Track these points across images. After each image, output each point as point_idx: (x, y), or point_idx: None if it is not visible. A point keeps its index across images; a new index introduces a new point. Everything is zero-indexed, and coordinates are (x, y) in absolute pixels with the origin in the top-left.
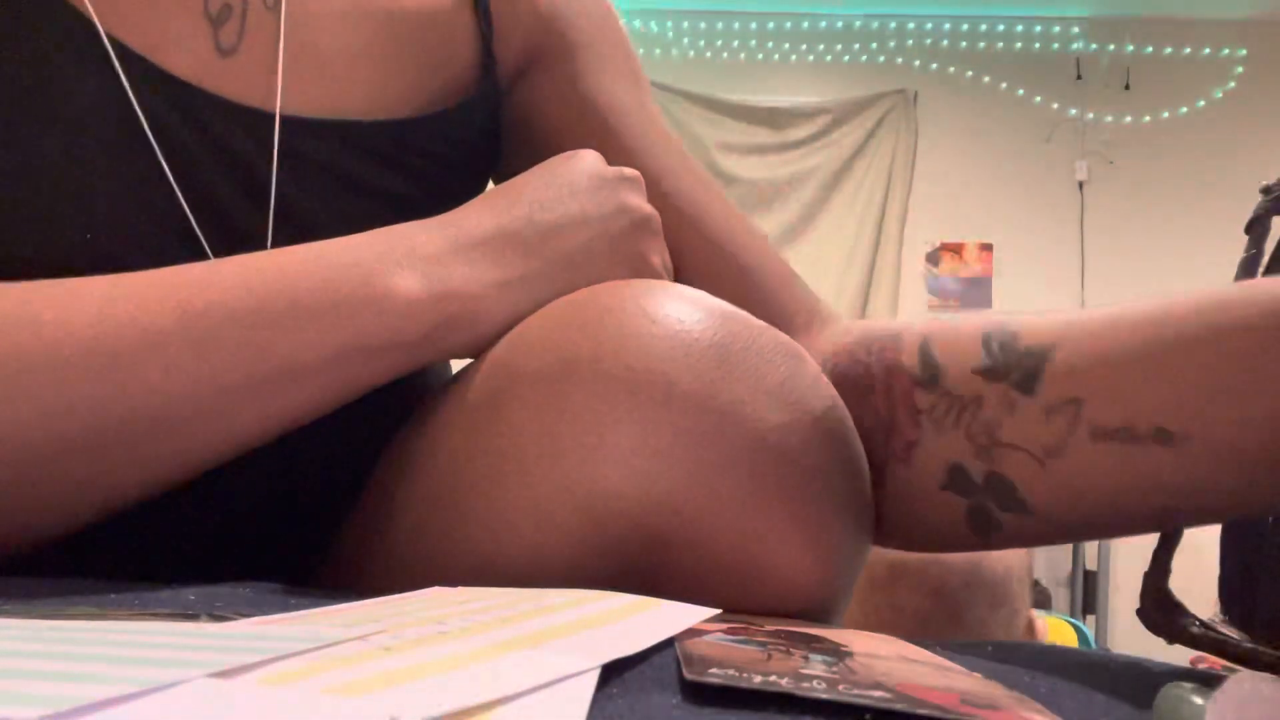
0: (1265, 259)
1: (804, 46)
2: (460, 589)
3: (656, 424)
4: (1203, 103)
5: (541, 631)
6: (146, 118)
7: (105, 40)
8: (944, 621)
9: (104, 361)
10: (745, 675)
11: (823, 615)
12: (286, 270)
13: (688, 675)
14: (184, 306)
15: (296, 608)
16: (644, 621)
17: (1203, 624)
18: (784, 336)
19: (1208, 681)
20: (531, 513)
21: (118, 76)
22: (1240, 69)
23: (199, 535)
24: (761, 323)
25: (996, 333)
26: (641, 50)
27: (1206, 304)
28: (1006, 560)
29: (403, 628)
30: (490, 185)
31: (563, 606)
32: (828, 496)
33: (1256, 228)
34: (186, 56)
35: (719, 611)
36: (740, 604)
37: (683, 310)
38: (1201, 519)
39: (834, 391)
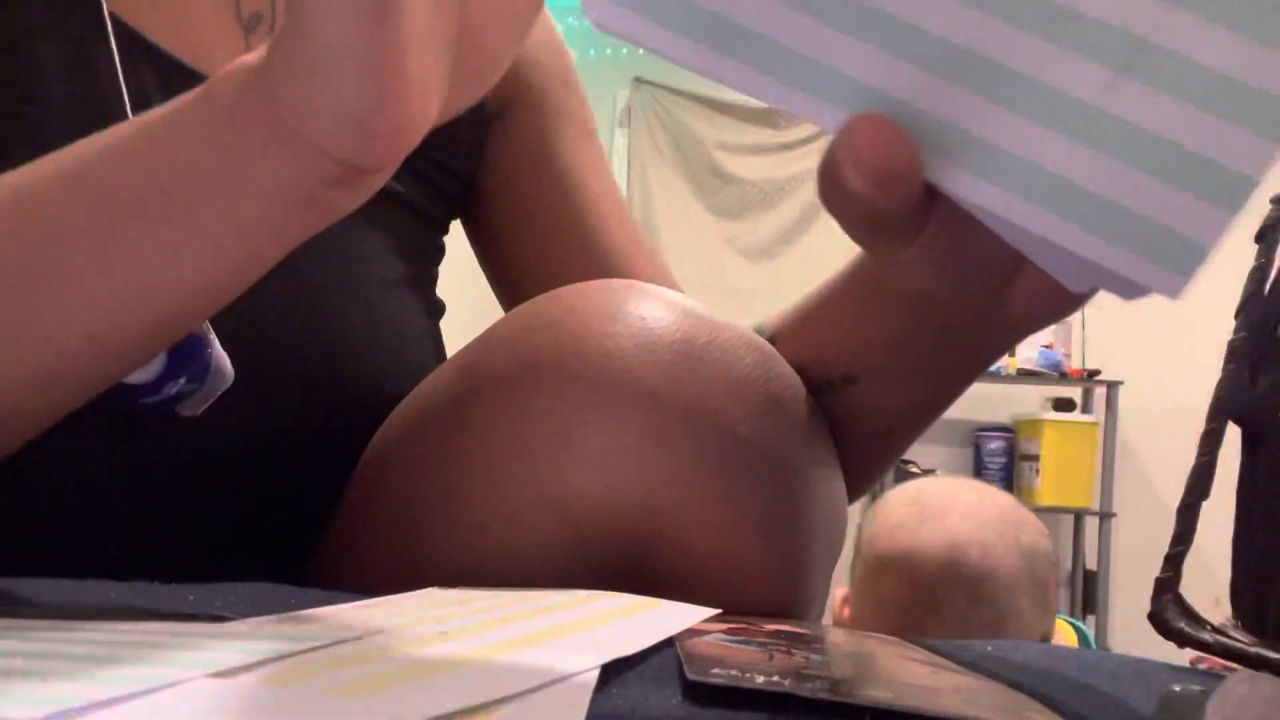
0: (1275, 269)
1: None
2: (458, 590)
3: (623, 423)
4: None
5: (541, 632)
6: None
7: (111, 32)
8: (923, 612)
9: None
10: (748, 675)
11: (800, 608)
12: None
13: (690, 675)
14: (23, 175)
15: (296, 607)
16: (644, 621)
17: (1214, 629)
18: (749, 331)
19: (1209, 681)
20: (504, 517)
21: (150, 79)
22: None
23: (197, 536)
24: (725, 319)
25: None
26: (642, 50)
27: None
28: (994, 562)
29: (403, 628)
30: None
31: (562, 606)
32: (797, 489)
33: (1267, 237)
34: (221, 62)
35: (719, 611)
36: (719, 600)
37: (645, 308)
38: (900, 439)
39: (799, 382)
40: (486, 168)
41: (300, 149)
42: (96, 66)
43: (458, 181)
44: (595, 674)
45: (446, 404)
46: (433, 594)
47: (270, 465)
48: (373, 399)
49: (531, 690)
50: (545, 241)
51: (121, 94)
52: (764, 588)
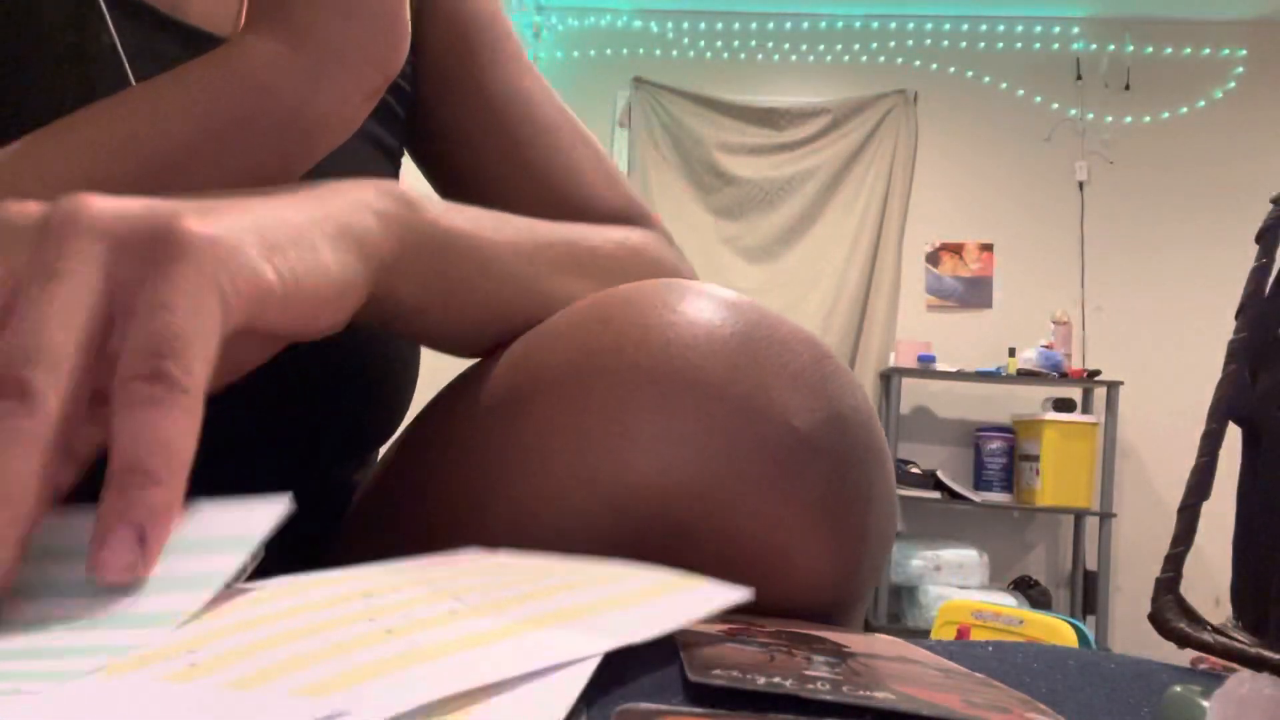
0: (1276, 268)
1: (804, 46)
2: (500, 553)
3: (680, 410)
4: (1203, 103)
5: (552, 613)
6: (138, 59)
7: None
8: None
9: None
10: (749, 677)
11: (845, 608)
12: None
13: (691, 677)
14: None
15: None
16: (665, 605)
17: (1214, 629)
18: (804, 328)
19: (1209, 681)
20: (554, 502)
21: (107, 21)
22: (1240, 69)
23: None
24: (780, 315)
25: None
26: (641, 50)
27: None
28: None
29: (416, 603)
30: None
31: (588, 584)
32: (851, 485)
33: (1267, 237)
34: (202, 10)
35: (751, 591)
36: (762, 594)
37: (703, 302)
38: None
39: (856, 380)
40: (426, 111)
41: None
42: (87, 21)
43: (405, 103)
44: (592, 664)
45: (501, 395)
46: (470, 558)
47: (286, 453)
48: (383, 382)
49: (521, 680)
50: (501, 178)
51: (113, 47)
52: (812, 581)
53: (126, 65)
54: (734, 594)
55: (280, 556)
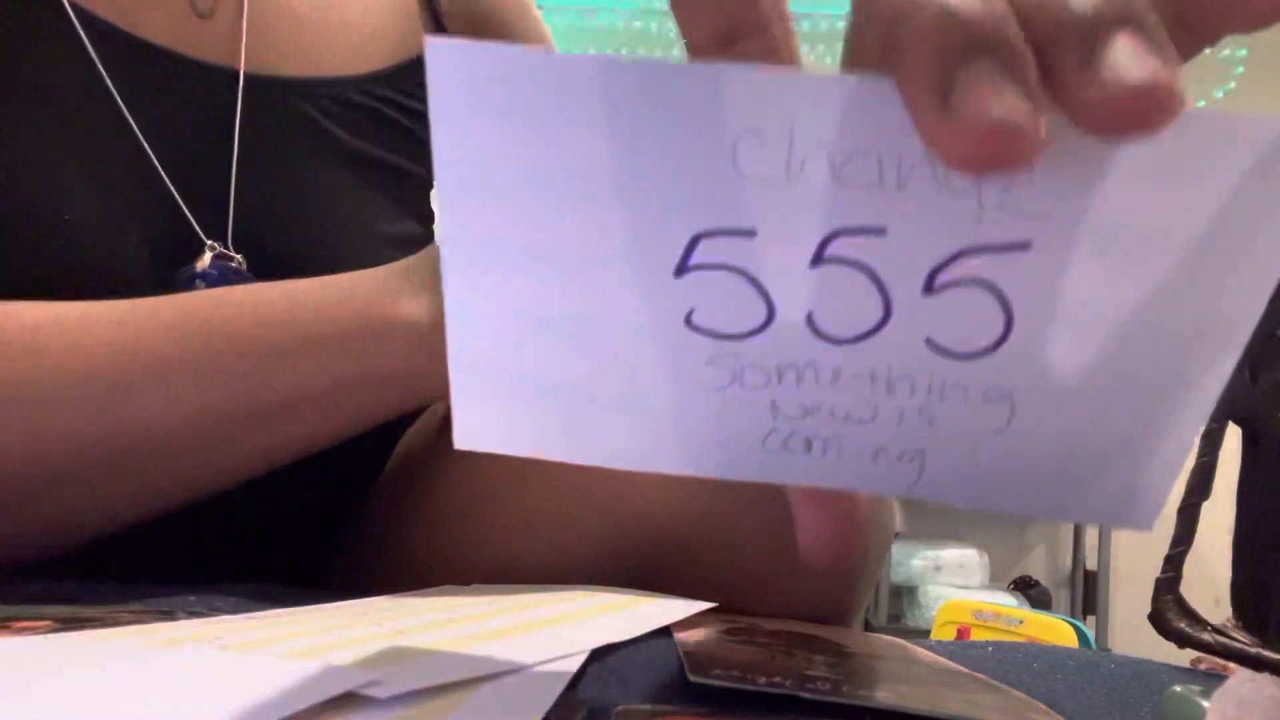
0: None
1: (804, 47)
2: (472, 587)
3: None
4: (1203, 103)
5: (536, 621)
6: (118, 85)
7: (71, 12)
8: None
9: (103, 391)
10: (749, 677)
11: (841, 617)
12: (293, 299)
13: (691, 677)
14: (189, 337)
15: (302, 603)
16: (634, 614)
17: (1214, 629)
18: None
19: (1209, 681)
20: (553, 514)
21: (86, 47)
22: (1240, 69)
23: (207, 537)
24: None
25: None
26: (642, 50)
27: None
28: None
29: (416, 614)
30: None
31: (564, 599)
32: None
33: None
34: (163, 20)
35: (714, 605)
36: (759, 606)
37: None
38: None
39: None
40: None
41: None
42: (58, 52)
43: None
44: (572, 664)
45: None
46: (442, 592)
47: (295, 469)
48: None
49: (508, 673)
50: None
51: (87, 78)
52: (810, 594)
53: (115, 93)
54: (697, 605)
55: (293, 558)
